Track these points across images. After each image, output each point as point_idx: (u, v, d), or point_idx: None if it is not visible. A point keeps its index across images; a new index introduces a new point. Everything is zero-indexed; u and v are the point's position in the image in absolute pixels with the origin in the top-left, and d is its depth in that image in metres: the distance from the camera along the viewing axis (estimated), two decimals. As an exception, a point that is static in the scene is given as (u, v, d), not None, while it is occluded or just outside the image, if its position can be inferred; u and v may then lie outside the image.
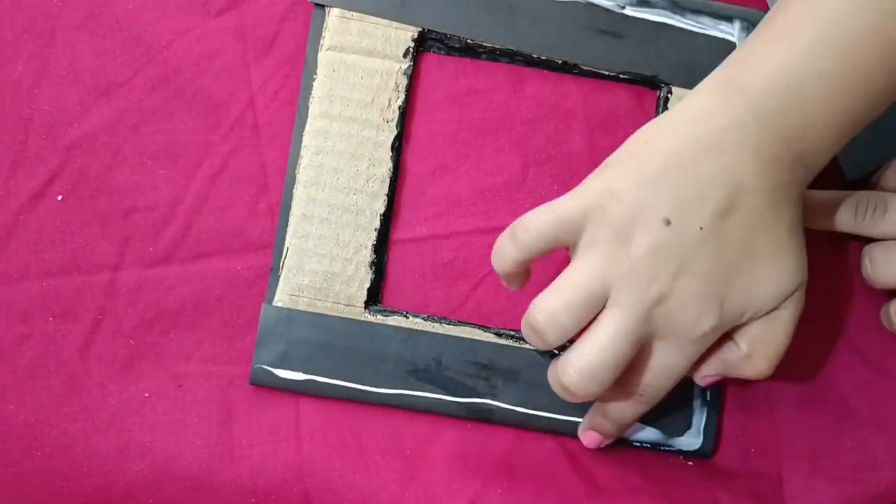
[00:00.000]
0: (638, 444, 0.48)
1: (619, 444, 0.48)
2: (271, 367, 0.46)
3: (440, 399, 0.47)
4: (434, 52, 0.49)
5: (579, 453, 0.48)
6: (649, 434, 0.48)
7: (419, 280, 0.48)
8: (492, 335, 0.47)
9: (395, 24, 0.47)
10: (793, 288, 0.40)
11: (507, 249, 0.41)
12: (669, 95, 0.48)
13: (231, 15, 0.47)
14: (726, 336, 0.42)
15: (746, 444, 0.49)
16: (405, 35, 0.48)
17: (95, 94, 0.47)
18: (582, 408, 0.47)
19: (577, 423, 0.47)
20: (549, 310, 0.39)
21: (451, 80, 0.48)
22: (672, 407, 0.47)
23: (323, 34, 0.47)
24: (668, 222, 0.38)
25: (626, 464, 0.47)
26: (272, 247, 0.47)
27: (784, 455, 0.49)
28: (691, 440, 0.48)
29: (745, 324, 0.41)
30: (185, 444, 0.46)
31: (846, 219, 0.46)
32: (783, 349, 0.42)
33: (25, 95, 0.46)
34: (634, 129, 0.48)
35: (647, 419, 0.47)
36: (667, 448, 0.48)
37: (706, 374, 0.43)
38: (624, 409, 0.43)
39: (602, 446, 0.46)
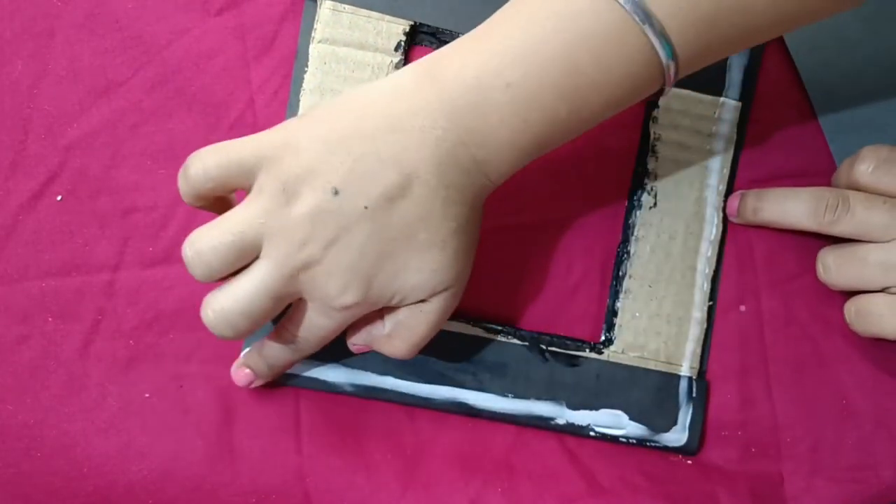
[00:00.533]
0: (624, 440, 0.48)
1: (605, 440, 0.48)
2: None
3: (427, 392, 0.47)
4: (426, 46, 0.48)
5: (579, 452, 0.48)
6: (635, 430, 0.48)
7: (419, 280, 0.48)
8: (479, 329, 0.47)
9: (386, 17, 0.47)
10: (443, 285, 0.41)
11: (181, 184, 0.40)
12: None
13: (231, 15, 0.47)
14: (379, 312, 0.42)
15: (747, 442, 0.49)
16: (397, 28, 0.47)
17: (95, 94, 0.47)
18: (571, 403, 0.47)
19: (569, 417, 0.47)
20: (198, 246, 0.39)
21: (451, 79, 0.48)
22: (658, 404, 0.48)
23: (314, 26, 0.47)
24: (336, 191, 0.38)
25: (626, 462, 0.48)
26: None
27: (784, 454, 0.49)
28: (677, 436, 0.48)
29: (394, 306, 0.42)
30: (185, 445, 0.46)
31: (806, 218, 0.46)
32: (422, 338, 0.42)
33: (25, 95, 0.46)
34: (636, 129, 0.49)
35: (633, 416, 0.48)
36: (653, 444, 0.48)
37: (355, 342, 0.44)
38: (278, 353, 0.44)
39: (252, 386, 0.46)
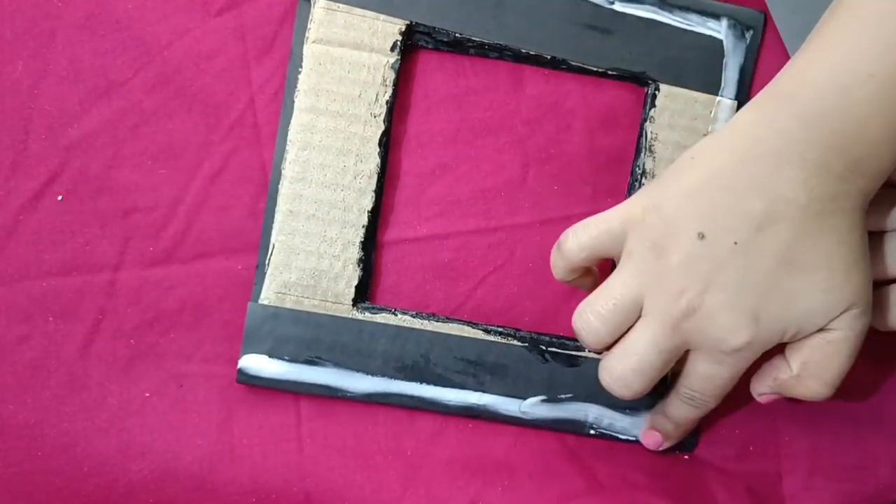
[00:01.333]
0: (624, 437, 0.48)
1: (604, 438, 0.48)
2: (258, 365, 0.46)
3: (430, 394, 0.47)
4: (422, 46, 0.49)
5: (579, 450, 0.48)
6: (634, 428, 0.48)
7: (419, 280, 0.48)
8: (480, 332, 0.47)
9: (382, 16, 0.47)
10: (840, 306, 0.39)
11: (555, 260, 0.43)
12: (657, 92, 0.48)
13: (231, 15, 0.47)
14: (781, 354, 0.42)
15: (745, 442, 0.49)
16: (392, 28, 0.47)
17: (95, 94, 0.47)
18: (565, 404, 0.48)
19: (570, 416, 0.48)
20: (584, 317, 0.41)
21: (451, 79, 0.49)
22: (656, 401, 0.48)
23: (308, 26, 0.47)
24: (701, 236, 0.39)
25: (625, 460, 0.48)
26: (271, 246, 0.47)
27: (783, 453, 0.49)
28: None
29: (796, 342, 0.40)
30: (185, 444, 0.46)
31: None
32: (838, 371, 0.40)
33: (25, 95, 0.46)
34: (634, 129, 0.49)
35: (632, 414, 0.48)
36: None
37: (761, 392, 0.44)
38: (680, 412, 0.45)
39: (661, 448, 0.47)
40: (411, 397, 0.47)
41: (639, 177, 0.49)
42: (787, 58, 0.49)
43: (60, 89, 0.46)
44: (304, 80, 0.47)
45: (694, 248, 0.39)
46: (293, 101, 0.47)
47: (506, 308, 0.49)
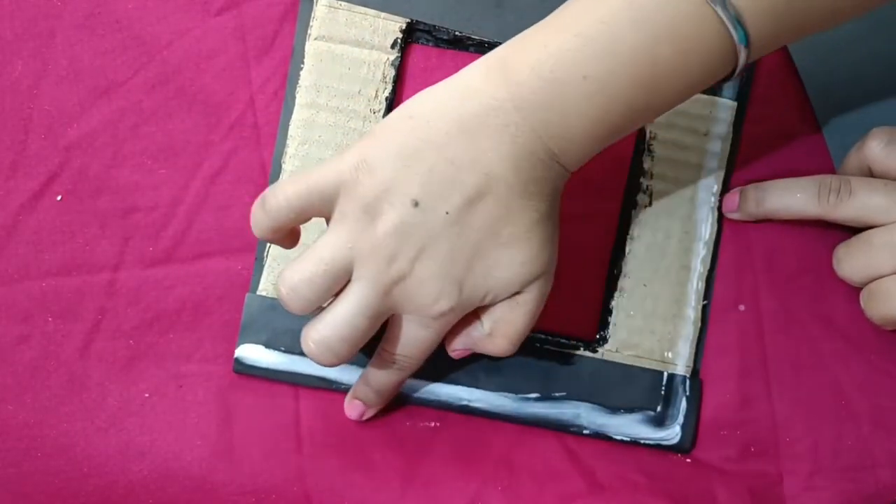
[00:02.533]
0: (619, 438, 0.48)
1: (598, 438, 0.48)
2: (255, 356, 0.46)
3: (423, 389, 0.47)
4: (422, 43, 0.49)
5: (579, 451, 0.48)
6: (629, 428, 0.48)
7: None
8: None
9: (383, 14, 0.48)
10: (533, 275, 0.41)
11: (259, 217, 0.40)
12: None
13: (231, 15, 0.47)
14: (475, 313, 0.42)
15: (746, 442, 0.49)
16: (393, 26, 0.48)
17: (95, 94, 0.47)
18: (559, 402, 0.48)
19: (563, 415, 0.48)
20: (291, 282, 0.39)
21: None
22: (652, 402, 0.48)
23: (311, 23, 0.47)
24: (416, 203, 0.38)
25: (625, 461, 0.48)
26: (272, 246, 0.47)
27: (783, 454, 0.49)
28: (671, 435, 0.48)
29: (489, 304, 0.42)
30: (185, 444, 0.46)
31: (809, 203, 0.46)
32: (523, 330, 0.42)
33: (25, 95, 0.46)
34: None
35: (628, 414, 0.48)
36: (647, 442, 0.48)
37: (455, 348, 0.44)
38: (384, 378, 0.44)
39: (364, 418, 0.47)
40: (405, 392, 0.47)
41: (637, 176, 0.49)
42: (788, 58, 0.50)
43: (60, 89, 0.47)
44: (306, 77, 0.47)
45: (408, 215, 0.38)
46: (294, 97, 0.47)
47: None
